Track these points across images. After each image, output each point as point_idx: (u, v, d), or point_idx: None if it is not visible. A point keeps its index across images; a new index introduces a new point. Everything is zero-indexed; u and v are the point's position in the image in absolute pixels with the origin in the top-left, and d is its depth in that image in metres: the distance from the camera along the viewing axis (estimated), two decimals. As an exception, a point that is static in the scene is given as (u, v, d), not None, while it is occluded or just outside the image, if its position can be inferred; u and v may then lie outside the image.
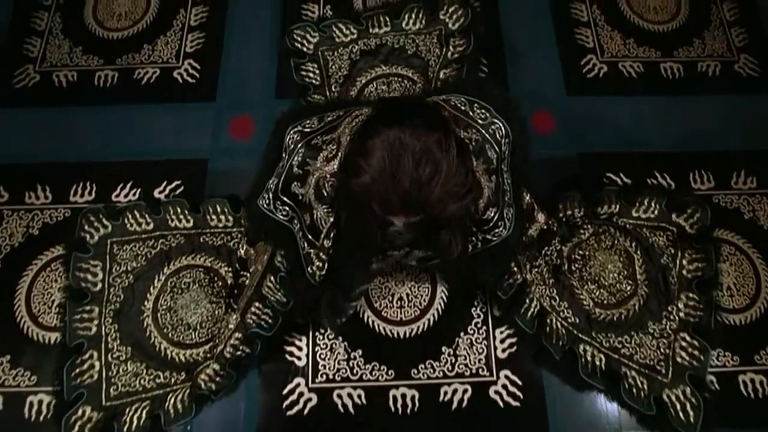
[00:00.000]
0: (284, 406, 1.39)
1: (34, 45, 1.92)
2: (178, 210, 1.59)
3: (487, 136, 1.04)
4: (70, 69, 1.87)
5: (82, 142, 1.74)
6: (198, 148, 1.73)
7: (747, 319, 1.49)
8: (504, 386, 1.41)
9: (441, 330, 1.48)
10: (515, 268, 1.40)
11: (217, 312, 1.47)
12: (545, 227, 1.40)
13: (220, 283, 1.51)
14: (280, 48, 1.90)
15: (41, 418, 1.37)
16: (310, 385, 1.41)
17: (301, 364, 1.43)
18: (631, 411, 1.38)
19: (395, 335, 1.47)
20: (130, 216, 1.58)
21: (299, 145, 1.04)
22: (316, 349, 1.45)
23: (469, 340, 1.46)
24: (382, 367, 1.43)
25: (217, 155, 1.72)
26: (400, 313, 1.50)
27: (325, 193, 0.99)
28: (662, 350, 1.44)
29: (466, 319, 1.49)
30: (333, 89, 1.82)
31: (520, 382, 1.42)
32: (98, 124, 1.77)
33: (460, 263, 1.15)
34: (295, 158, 1.03)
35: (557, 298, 1.46)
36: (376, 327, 1.48)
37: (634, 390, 1.38)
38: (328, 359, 1.44)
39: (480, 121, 1.06)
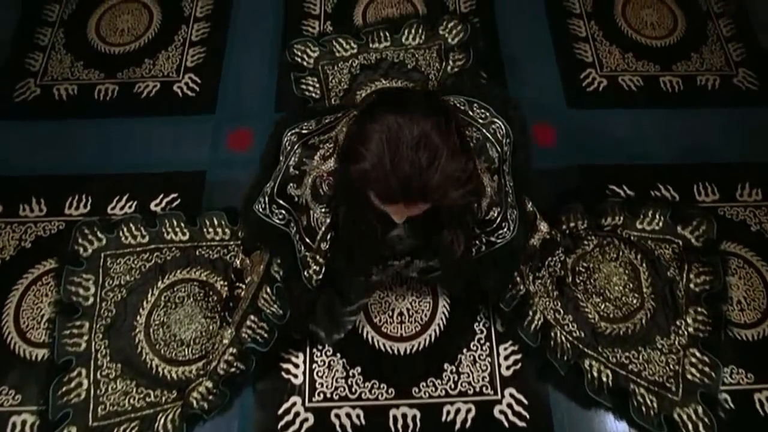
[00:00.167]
0: (279, 426, 1.29)
1: (36, 59, 1.88)
2: (174, 223, 1.52)
3: (487, 135, 0.99)
4: (71, 83, 1.83)
5: (80, 154, 1.68)
6: (196, 160, 1.67)
7: (759, 335, 1.41)
8: (509, 405, 1.32)
9: (443, 346, 1.39)
10: (518, 279, 1.32)
11: (211, 327, 1.39)
12: (548, 237, 1.33)
13: (215, 298, 1.43)
14: (280, 62, 1.86)
15: (25, 439, 1.27)
16: (307, 404, 1.32)
17: (297, 382, 1.34)
18: (640, 430, 1.28)
19: (395, 352, 1.38)
20: (125, 229, 1.51)
21: (296, 146, 0.98)
22: (314, 367, 1.36)
23: (472, 357, 1.37)
24: (381, 385, 1.34)
25: (215, 167, 1.66)
26: (401, 328, 1.41)
27: (322, 192, 0.94)
28: (671, 366, 1.35)
29: (469, 334, 1.40)
30: (333, 102, 1.77)
31: (525, 401, 1.32)
32: (96, 137, 1.72)
33: (463, 269, 1.07)
34: (292, 159, 0.98)
35: (561, 311, 1.38)
36: (376, 343, 1.39)
37: (644, 408, 1.29)
38: (326, 377, 1.34)
39: (480, 120, 1.01)
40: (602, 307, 1.41)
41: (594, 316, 1.39)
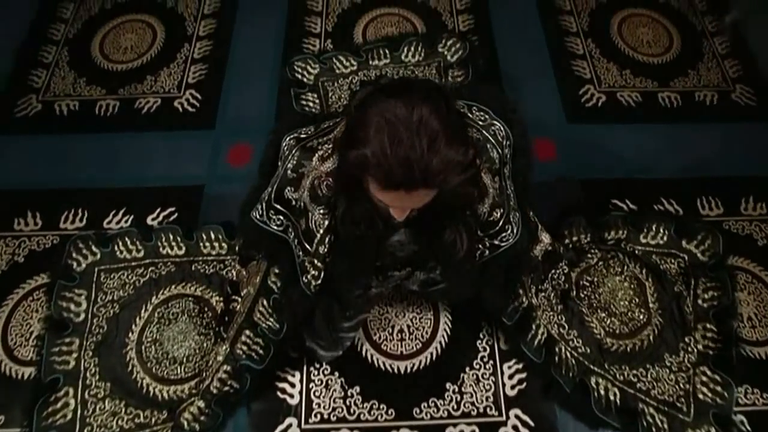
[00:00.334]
0: (274, 449, 1.20)
1: (39, 76, 1.85)
2: (171, 237, 1.46)
3: (488, 136, 0.95)
4: (73, 99, 1.79)
5: (78, 169, 1.63)
6: (194, 175, 1.62)
7: (773, 353, 1.33)
8: (514, 427, 1.23)
9: (445, 364, 1.31)
10: (520, 290, 1.26)
11: (205, 345, 1.31)
12: (550, 248, 1.27)
13: (210, 314, 1.36)
14: (280, 78, 1.83)
15: (6, 463, 1.18)
16: (304, 425, 1.23)
17: (293, 402, 1.25)
18: (651, 453, 1.19)
19: (395, 370, 1.30)
20: (120, 243, 1.45)
21: (294, 150, 0.94)
22: (311, 386, 1.27)
23: (475, 376, 1.29)
24: (381, 406, 1.25)
25: (213, 182, 1.61)
26: (401, 346, 1.33)
27: (321, 193, 0.89)
28: (681, 385, 1.27)
29: (472, 352, 1.32)
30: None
31: (532, 423, 1.23)
32: (95, 152, 1.67)
33: (467, 276, 1.01)
34: (290, 162, 0.93)
35: (566, 325, 1.30)
36: (375, 361, 1.31)
37: (654, 429, 1.21)
38: (324, 397, 1.26)
39: (480, 123, 0.97)
40: (608, 322, 1.34)
41: (600, 332, 1.32)
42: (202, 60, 1.90)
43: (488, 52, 1.89)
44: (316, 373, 1.29)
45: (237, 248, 1.37)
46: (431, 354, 1.32)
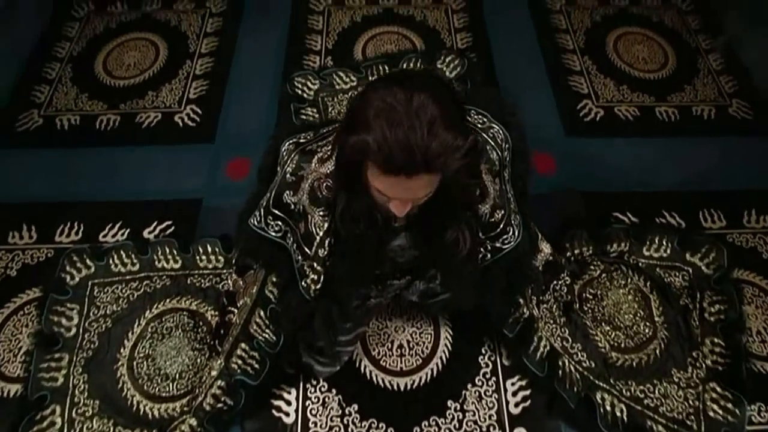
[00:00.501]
0: (268, 471, 1.13)
1: (42, 92, 1.84)
2: (167, 250, 1.41)
3: (487, 138, 0.94)
4: (74, 113, 1.78)
5: (76, 182, 1.60)
6: (193, 188, 1.59)
7: (784, 368, 1.27)
8: (519, 447, 1.16)
9: (446, 381, 1.25)
10: (520, 300, 1.21)
11: (199, 360, 1.25)
12: (551, 258, 1.22)
13: (205, 329, 1.30)
14: (280, 94, 1.81)
15: (-12, 486, 1.11)
16: (299, 445, 1.16)
17: (289, 420, 1.19)
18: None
19: (395, 387, 1.24)
20: (115, 256, 1.40)
21: (293, 154, 0.92)
22: (307, 404, 1.21)
23: (477, 393, 1.23)
24: (380, 425, 1.19)
25: (212, 195, 1.57)
26: (401, 362, 1.27)
27: (320, 195, 0.87)
28: (691, 402, 1.21)
29: (474, 368, 1.26)
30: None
31: (537, 442, 1.17)
32: (95, 165, 1.64)
33: (468, 280, 0.96)
34: (289, 166, 0.91)
35: (569, 338, 1.24)
36: (374, 378, 1.25)
37: (664, 448, 1.14)
38: (320, 415, 1.19)
39: (479, 125, 0.96)
40: (612, 335, 1.28)
41: (604, 345, 1.26)
42: (204, 76, 1.89)
43: (486, 68, 1.88)
44: (312, 390, 1.22)
45: (234, 257, 1.33)
46: (432, 370, 1.26)
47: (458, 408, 1.21)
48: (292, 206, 0.91)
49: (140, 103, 1.80)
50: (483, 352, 1.28)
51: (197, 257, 1.41)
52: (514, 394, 1.22)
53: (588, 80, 1.88)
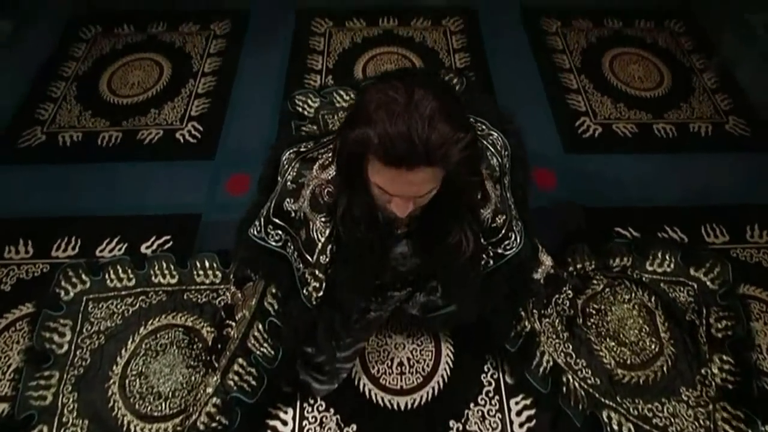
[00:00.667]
0: (263, 495, 1.06)
1: (46, 109, 1.84)
2: (164, 265, 1.38)
3: (487, 144, 0.93)
4: (77, 130, 1.77)
5: (76, 197, 1.58)
6: (192, 204, 1.56)
7: (797, 386, 1.21)
8: (524, 470, 1.10)
9: (448, 400, 1.19)
10: (522, 314, 1.17)
11: (193, 378, 1.20)
12: (552, 271, 1.19)
13: (201, 345, 1.26)
14: (281, 112, 1.81)
15: None
16: (295, 468, 1.10)
17: (285, 441, 1.13)
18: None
19: (395, 406, 1.18)
20: (111, 271, 1.36)
21: (294, 162, 0.90)
22: (304, 424, 1.15)
23: (480, 413, 1.17)
24: (379, 446, 1.13)
25: (211, 211, 1.55)
26: (401, 380, 1.22)
27: (322, 201, 0.85)
28: (701, 422, 1.15)
29: (476, 387, 1.21)
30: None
31: (543, 465, 1.10)
32: (94, 181, 1.62)
33: (471, 287, 0.93)
34: (290, 174, 0.90)
35: (573, 354, 1.20)
36: (374, 396, 1.19)
37: (675, 471, 1.08)
38: (318, 436, 1.14)
39: (478, 132, 0.94)
40: (618, 351, 1.23)
41: (610, 362, 1.21)
42: (206, 95, 1.89)
43: (485, 86, 1.88)
44: (309, 409, 1.17)
45: (232, 270, 1.29)
46: (433, 388, 1.21)
47: (461, 428, 1.15)
48: (293, 214, 0.89)
49: (142, 121, 1.80)
50: (485, 369, 1.23)
51: (194, 272, 1.37)
52: (519, 413, 1.17)
53: (585, 98, 1.88)
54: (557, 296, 1.23)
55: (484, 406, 1.18)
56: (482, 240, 0.89)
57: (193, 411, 1.11)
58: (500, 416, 1.16)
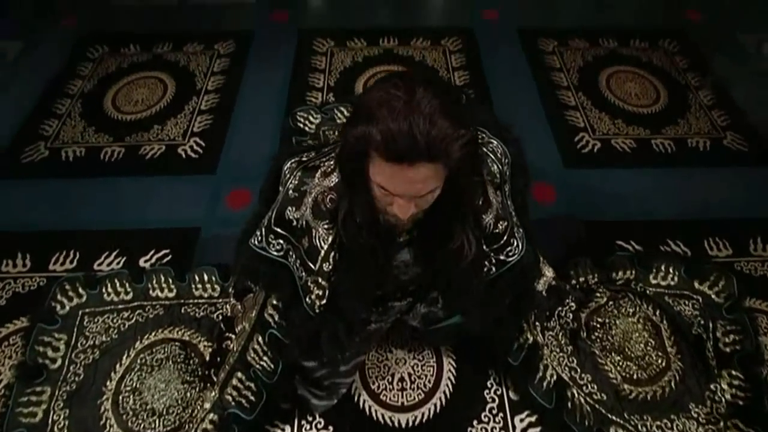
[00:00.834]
0: None
1: (50, 125, 1.84)
2: (162, 278, 1.35)
3: (487, 152, 0.93)
4: (80, 146, 1.77)
5: (77, 212, 1.56)
6: (192, 218, 1.55)
7: (810, 403, 1.16)
8: (531, 491, 1.05)
9: (450, 417, 1.15)
10: (524, 325, 1.14)
11: (188, 394, 1.16)
12: (554, 283, 1.16)
13: (197, 360, 1.22)
14: (282, 128, 1.81)
15: None
16: (292, 489, 1.05)
17: (282, 460, 1.08)
18: None
19: (396, 423, 1.13)
20: (109, 285, 1.34)
21: (296, 171, 0.89)
22: (302, 442, 1.11)
23: (484, 430, 1.12)
24: (380, 465, 1.08)
25: (211, 224, 1.53)
26: (402, 396, 1.18)
27: (325, 208, 0.84)
28: (712, 440, 1.10)
29: (479, 403, 1.17)
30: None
31: (550, 486, 1.05)
32: (95, 195, 1.61)
33: (474, 294, 0.90)
34: (291, 183, 0.89)
35: (578, 369, 1.16)
36: (374, 413, 1.15)
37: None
38: (316, 455, 1.09)
39: (478, 141, 0.91)
40: (623, 366, 1.19)
41: (616, 376, 1.17)
42: (209, 111, 1.90)
43: (484, 103, 1.89)
44: (308, 426, 1.12)
45: (232, 283, 1.26)
46: (435, 405, 1.16)
47: (464, 447, 1.10)
48: (295, 222, 0.88)
49: (145, 136, 1.80)
50: (488, 385, 1.19)
51: (193, 286, 1.35)
52: (524, 431, 1.12)
53: (584, 114, 1.89)
54: (560, 309, 1.20)
55: (488, 423, 1.14)
56: (484, 246, 0.88)
57: (189, 428, 1.06)
58: (504, 434, 1.12)
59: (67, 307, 1.30)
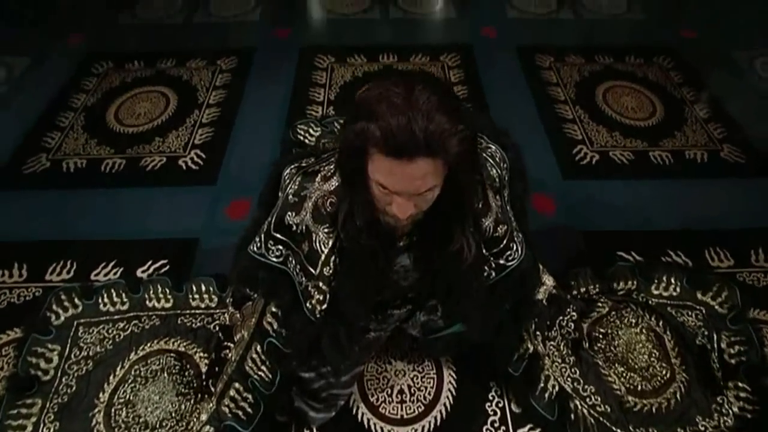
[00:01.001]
0: None
1: (53, 138, 1.85)
2: (159, 289, 1.33)
3: (486, 156, 0.93)
4: (81, 157, 1.77)
5: (76, 222, 1.55)
6: (190, 228, 1.54)
7: (819, 416, 1.13)
8: (535, 508, 1.00)
9: (451, 430, 1.11)
10: (525, 335, 1.11)
11: (183, 407, 1.12)
12: (554, 292, 1.14)
13: (192, 372, 1.19)
14: (283, 141, 1.81)
15: None
16: (288, 506, 1.01)
17: (278, 476, 1.04)
18: None
19: (395, 437, 1.10)
20: (105, 295, 1.32)
21: (295, 176, 0.89)
22: (298, 456, 1.07)
23: (485, 444, 1.09)
24: (379, 481, 1.04)
25: (209, 235, 1.52)
26: (401, 409, 1.14)
27: (325, 212, 0.83)
28: (721, 455, 1.06)
29: (481, 416, 1.13)
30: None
31: (555, 502, 1.01)
32: (96, 206, 1.60)
33: (474, 300, 0.88)
34: (291, 188, 0.88)
35: (581, 380, 1.12)
36: (372, 426, 1.11)
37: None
38: (313, 470, 1.05)
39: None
40: (627, 377, 1.16)
41: (619, 388, 1.14)
42: (210, 124, 1.91)
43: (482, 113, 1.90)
44: (305, 440, 1.09)
45: (230, 290, 1.24)
46: (435, 418, 1.13)
47: (465, 462, 1.06)
48: (295, 227, 0.87)
49: (146, 148, 1.80)
50: (490, 398, 1.15)
51: (190, 296, 1.33)
52: (527, 445, 1.08)
53: (581, 127, 1.89)
54: (561, 318, 1.17)
55: (490, 437, 1.10)
56: (484, 250, 0.87)
57: (183, 441, 1.03)
58: (507, 448, 1.08)
59: (62, 318, 1.27)
